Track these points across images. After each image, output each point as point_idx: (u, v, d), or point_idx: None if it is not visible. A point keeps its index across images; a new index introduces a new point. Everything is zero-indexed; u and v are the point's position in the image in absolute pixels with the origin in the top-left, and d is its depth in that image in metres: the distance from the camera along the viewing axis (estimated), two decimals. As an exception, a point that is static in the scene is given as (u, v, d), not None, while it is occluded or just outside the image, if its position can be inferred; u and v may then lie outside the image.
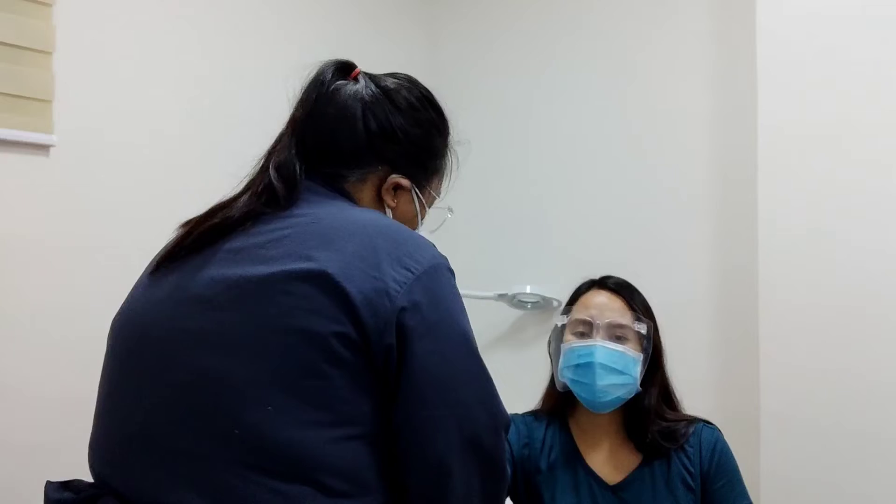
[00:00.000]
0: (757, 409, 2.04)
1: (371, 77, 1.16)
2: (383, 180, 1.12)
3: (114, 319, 1.07)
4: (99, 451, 1.01)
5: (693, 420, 1.58)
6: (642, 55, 2.45)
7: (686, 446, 1.54)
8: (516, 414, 1.63)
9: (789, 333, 2.00)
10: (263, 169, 1.08)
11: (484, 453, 0.98)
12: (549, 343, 1.60)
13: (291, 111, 1.14)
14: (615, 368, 1.48)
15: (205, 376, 0.92)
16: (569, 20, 2.59)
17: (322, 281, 0.91)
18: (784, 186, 2.01)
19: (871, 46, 1.92)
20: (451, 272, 1.02)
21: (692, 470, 1.52)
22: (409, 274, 0.95)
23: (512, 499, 1.58)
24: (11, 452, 1.74)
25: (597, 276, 1.63)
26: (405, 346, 0.92)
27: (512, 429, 1.58)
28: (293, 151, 1.08)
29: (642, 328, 1.51)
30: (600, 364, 1.47)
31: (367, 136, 1.10)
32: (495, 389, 1.01)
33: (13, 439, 1.75)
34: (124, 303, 1.07)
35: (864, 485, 1.90)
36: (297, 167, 1.07)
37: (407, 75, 1.20)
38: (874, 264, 1.91)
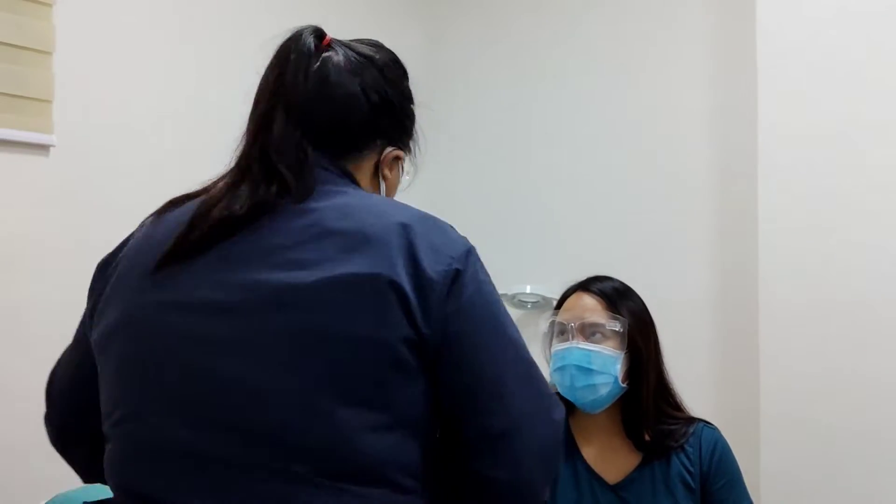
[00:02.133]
0: (757, 409, 2.04)
1: (345, 44, 1.09)
2: (380, 154, 1.07)
3: (109, 325, 0.96)
4: (130, 467, 0.93)
5: (693, 420, 1.58)
6: (642, 55, 2.45)
7: (686, 446, 1.54)
8: None
9: (789, 333, 2.00)
10: (262, 153, 0.98)
11: (547, 422, 0.96)
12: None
13: (272, 85, 1.04)
14: (590, 368, 1.48)
15: (256, 390, 0.87)
16: (569, 20, 2.59)
17: (374, 283, 0.88)
18: (784, 186, 2.01)
19: (870, 46, 1.92)
20: (477, 254, 0.98)
21: (692, 470, 1.53)
22: (450, 265, 0.92)
23: None
24: (12, 451, 1.74)
25: (589, 275, 1.63)
26: (456, 337, 0.91)
27: None
28: (297, 133, 0.99)
29: (615, 325, 1.52)
30: (575, 366, 1.49)
31: (371, 111, 1.04)
32: (539, 371, 0.99)
33: (14, 438, 1.75)
34: (119, 306, 0.96)
35: (865, 484, 1.90)
36: (308, 151, 0.99)
37: (370, 39, 1.13)
38: (874, 264, 1.91)
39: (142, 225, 1.06)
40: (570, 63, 2.59)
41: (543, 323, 1.61)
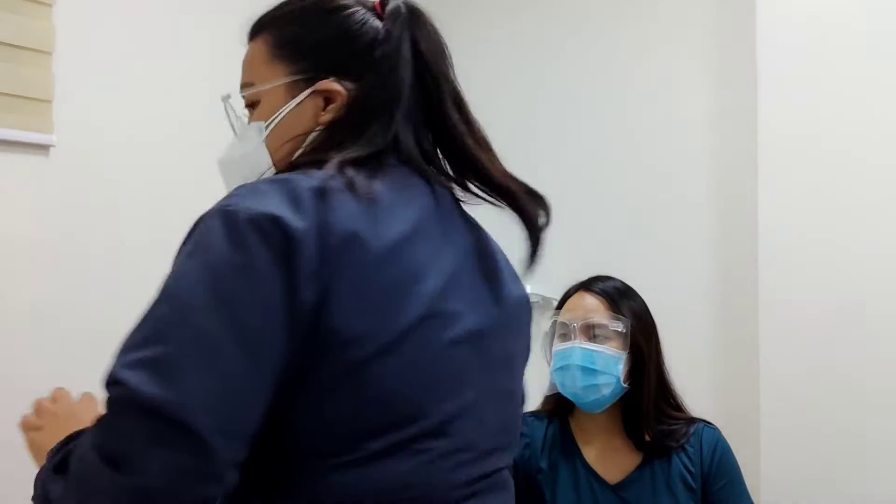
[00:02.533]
0: (757, 409, 2.04)
1: None
2: None
3: (403, 324, 0.80)
4: (447, 475, 0.84)
5: (694, 420, 1.58)
6: (642, 56, 2.45)
7: (687, 446, 1.54)
8: None
9: (789, 334, 1.99)
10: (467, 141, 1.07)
11: None
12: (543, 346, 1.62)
13: (440, 62, 1.01)
14: (593, 368, 1.49)
15: (507, 392, 0.97)
16: (569, 21, 2.59)
17: (529, 303, 1.07)
18: (784, 187, 2.01)
19: (871, 47, 1.92)
20: None
21: (693, 470, 1.53)
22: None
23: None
24: (12, 451, 1.74)
25: (590, 275, 1.63)
26: None
27: None
28: None
29: (618, 326, 1.52)
30: (577, 366, 1.49)
31: None
32: None
33: (14, 438, 1.75)
34: (411, 303, 0.81)
35: (865, 484, 1.90)
36: None
37: None
38: (874, 264, 1.91)
39: (327, 192, 0.80)
40: (570, 64, 2.59)
41: (545, 322, 1.61)
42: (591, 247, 2.49)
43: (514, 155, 2.93)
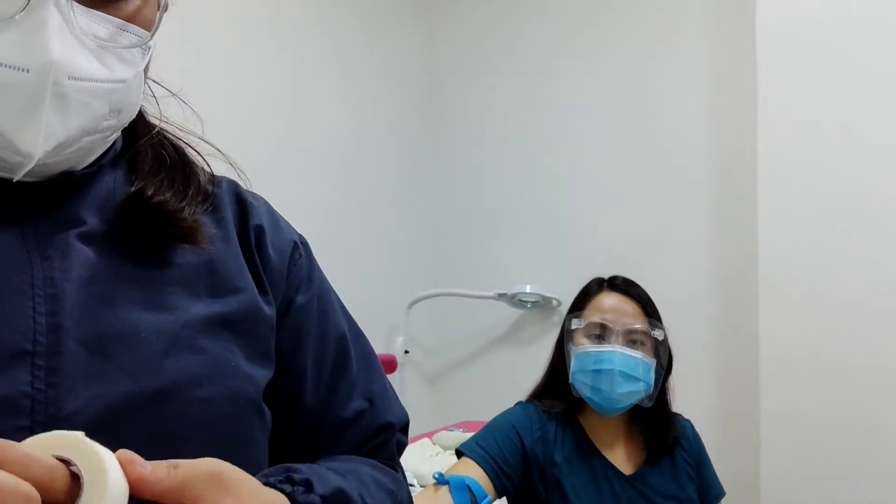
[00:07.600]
0: (757, 409, 2.04)
1: None
2: None
3: None
4: None
5: (675, 415, 1.60)
6: (642, 55, 2.45)
7: (682, 441, 1.56)
8: (530, 403, 1.60)
9: (789, 333, 1.99)
10: None
11: None
12: (558, 344, 1.58)
13: None
14: (632, 375, 1.46)
15: None
16: (569, 21, 2.59)
17: None
18: (784, 186, 2.01)
19: (870, 45, 1.92)
20: None
21: (690, 462, 1.56)
22: None
23: (531, 490, 1.56)
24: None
25: (601, 275, 1.62)
26: None
27: (526, 420, 1.56)
28: None
29: (659, 335, 1.50)
30: (619, 371, 1.45)
31: None
32: None
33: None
34: None
35: (865, 484, 1.90)
36: None
37: None
38: (874, 263, 1.90)
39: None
40: (571, 63, 2.59)
41: (567, 319, 1.56)
42: (591, 246, 2.50)
43: (514, 154, 2.95)
